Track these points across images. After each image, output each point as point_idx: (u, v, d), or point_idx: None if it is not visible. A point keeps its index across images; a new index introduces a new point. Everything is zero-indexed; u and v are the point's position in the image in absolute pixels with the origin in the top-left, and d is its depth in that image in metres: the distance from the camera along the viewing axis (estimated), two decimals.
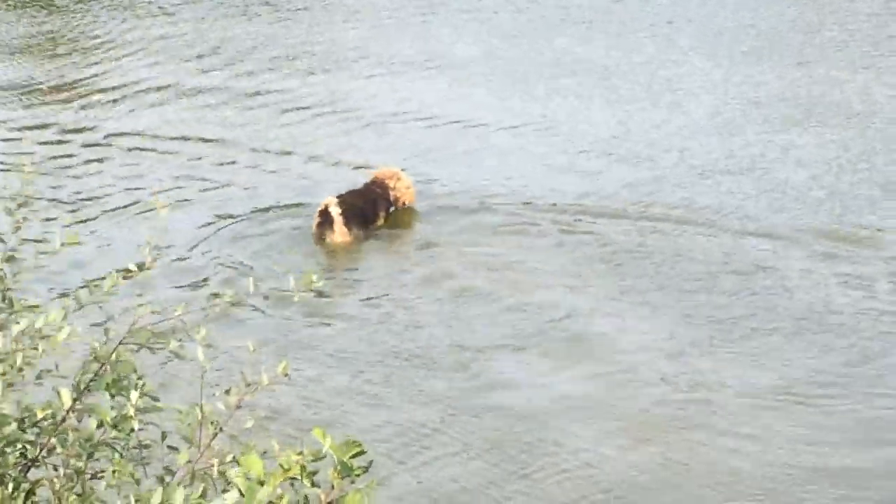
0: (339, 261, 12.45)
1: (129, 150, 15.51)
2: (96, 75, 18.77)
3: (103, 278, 4.82)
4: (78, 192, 14.01)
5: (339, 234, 12.46)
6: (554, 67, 18.84)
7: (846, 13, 21.81)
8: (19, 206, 4.87)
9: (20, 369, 4.44)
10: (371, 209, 13.01)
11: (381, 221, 13.12)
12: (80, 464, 4.38)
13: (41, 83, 18.28)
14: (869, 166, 14.56)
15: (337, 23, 22.14)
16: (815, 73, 18.37)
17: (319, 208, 12.53)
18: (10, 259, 4.73)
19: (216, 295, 4.80)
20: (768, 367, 10.22)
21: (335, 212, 12.39)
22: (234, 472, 4.14)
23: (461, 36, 20.95)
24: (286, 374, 4.45)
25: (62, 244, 4.81)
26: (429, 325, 10.90)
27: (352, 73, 18.94)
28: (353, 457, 3.95)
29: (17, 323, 4.50)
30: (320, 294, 11.39)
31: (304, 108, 17.25)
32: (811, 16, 21.79)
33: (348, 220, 12.50)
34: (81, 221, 13.16)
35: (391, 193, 13.27)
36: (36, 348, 4.44)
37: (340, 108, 17.20)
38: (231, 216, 13.35)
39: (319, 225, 12.53)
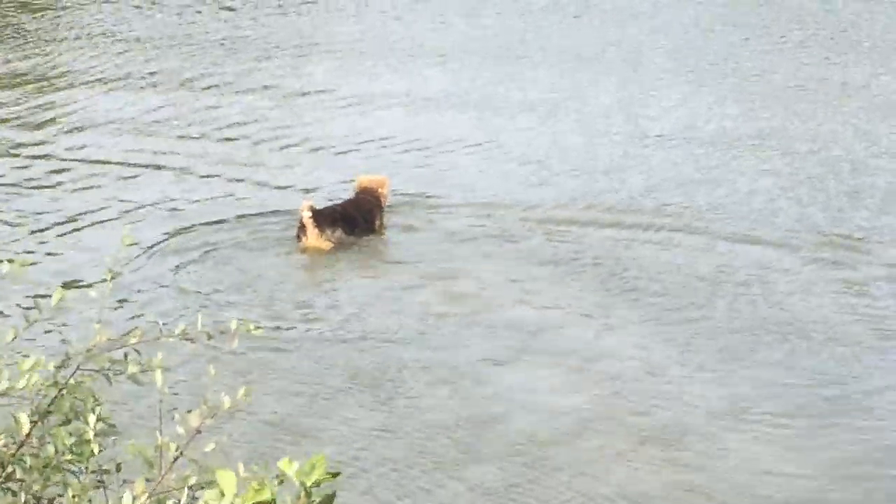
0: (311, 273, 12.52)
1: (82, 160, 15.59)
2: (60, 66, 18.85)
3: (49, 295, 4.77)
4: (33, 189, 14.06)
5: (312, 237, 12.77)
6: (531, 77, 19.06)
7: (813, 18, 22.10)
8: None
9: None
10: (370, 218, 13.28)
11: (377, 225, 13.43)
12: (37, 487, 4.36)
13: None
14: (838, 174, 14.74)
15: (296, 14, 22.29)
16: (783, 81, 18.60)
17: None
18: None
19: (163, 330, 4.75)
20: (747, 382, 10.23)
21: (306, 216, 12.70)
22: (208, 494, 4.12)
23: (439, 33, 21.16)
24: (247, 398, 4.43)
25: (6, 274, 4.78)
26: (401, 343, 10.84)
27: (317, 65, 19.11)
28: (318, 484, 3.92)
29: None
30: (296, 308, 11.46)
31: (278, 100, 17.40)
32: (779, 24, 22.07)
33: (320, 223, 12.75)
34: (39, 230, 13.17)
35: (382, 200, 13.58)
36: None
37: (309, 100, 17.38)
38: (198, 222, 13.54)
39: (298, 230, 12.86)
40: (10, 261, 4.84)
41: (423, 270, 12.31)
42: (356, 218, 13.12)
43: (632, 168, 15.05)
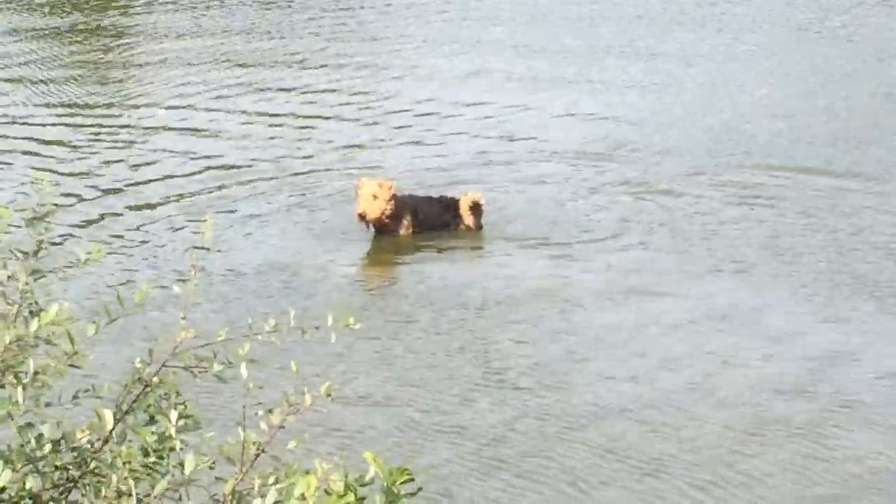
0: (395, 260, 12.56)
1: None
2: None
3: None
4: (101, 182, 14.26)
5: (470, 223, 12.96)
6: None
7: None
8: (40, 218, 4.79)
9: (42, 384, 4.45)
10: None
11: None
12: (124, 487, 4.44)
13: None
14: None
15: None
16: None
17: (472, 201, 12.89)
18: (34, 273, 4.70)
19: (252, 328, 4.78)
20: None
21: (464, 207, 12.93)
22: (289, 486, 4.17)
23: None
24: (329, 395, 4.48)
25: (86, 260, 4.79)
26: (507, 338, 10.64)
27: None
28: (402, 483, 3.98)
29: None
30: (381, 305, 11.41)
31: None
32: None
33: (476, 214, 13.03)
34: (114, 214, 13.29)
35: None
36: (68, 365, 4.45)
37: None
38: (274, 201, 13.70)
39: (451, 218, 12.96)
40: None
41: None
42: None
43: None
